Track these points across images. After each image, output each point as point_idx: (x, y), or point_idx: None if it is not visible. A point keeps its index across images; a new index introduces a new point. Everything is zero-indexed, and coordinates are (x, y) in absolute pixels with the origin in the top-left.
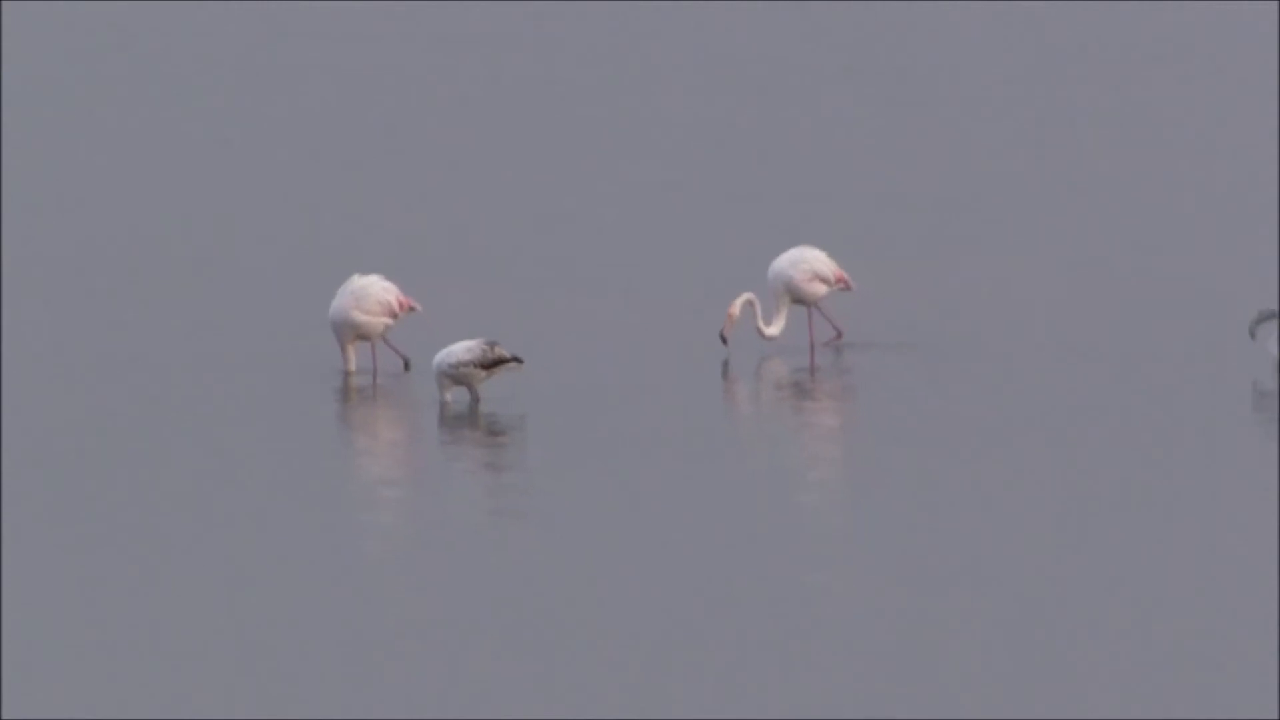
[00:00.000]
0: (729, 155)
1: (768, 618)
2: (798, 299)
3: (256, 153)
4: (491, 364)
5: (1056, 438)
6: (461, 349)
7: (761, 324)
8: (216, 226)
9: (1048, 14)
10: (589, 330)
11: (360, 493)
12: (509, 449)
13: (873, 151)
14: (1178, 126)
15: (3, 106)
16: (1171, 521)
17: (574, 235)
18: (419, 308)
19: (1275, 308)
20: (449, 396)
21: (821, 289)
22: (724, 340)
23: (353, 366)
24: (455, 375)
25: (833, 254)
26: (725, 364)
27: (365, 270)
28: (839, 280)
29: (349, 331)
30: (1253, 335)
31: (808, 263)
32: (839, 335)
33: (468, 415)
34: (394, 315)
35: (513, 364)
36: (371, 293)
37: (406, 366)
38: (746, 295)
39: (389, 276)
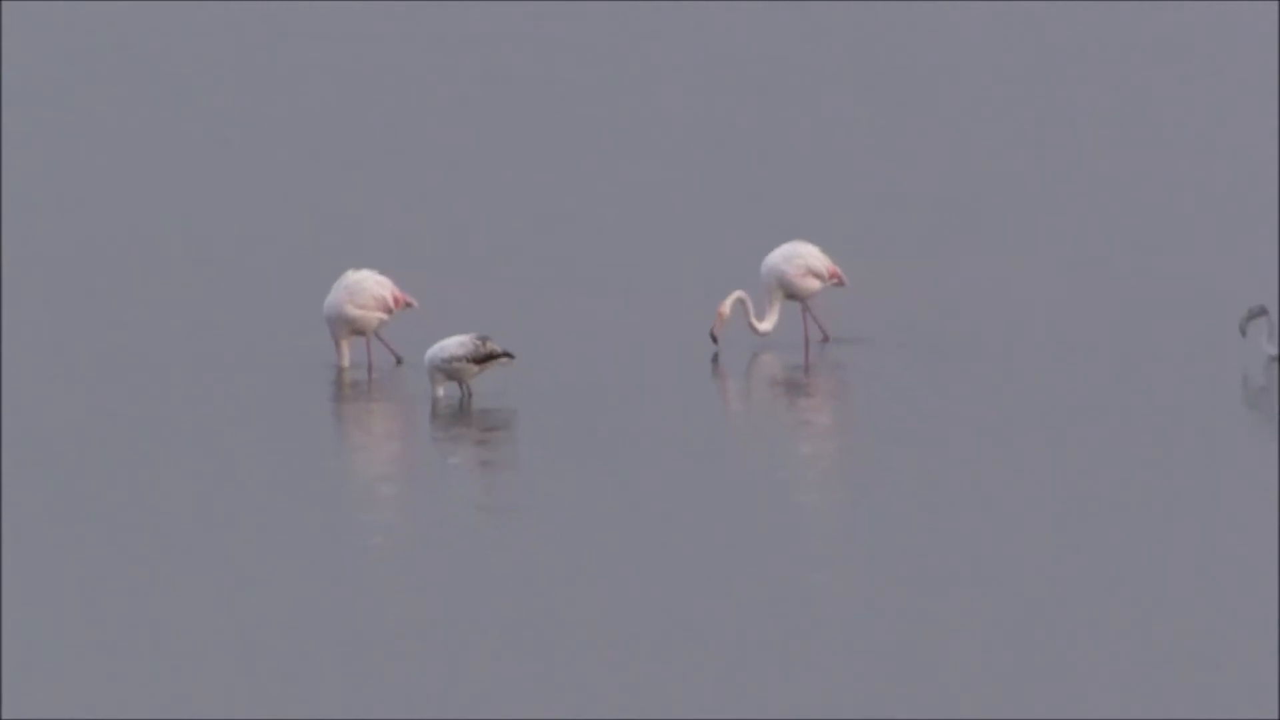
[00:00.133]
0: (729, 155)
1: (767, 617)
2: (791, 294)
3: (256, 153)
4: (484, 359)
5: (1056, 437)
6: (454, 344)
7: (754, 320)
8: (216, 226)
9: (1048, 14)
10: (587, 329)
11: (355, 490)
12: (504, 445)
13: (873, 151)
14: (1178, 126)
15: (3, 106)
16: (1171, 521)
17: (573, 235)
18: (415, 303)
19: (1264, 305)
20: (441, 392)
21: (815, 284)
22: (714, 339)
23: (346, 362)
24: (448, 370)
25: (827, 249)
26: (721, 362)
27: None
28: (833, 276)
29: (343, 326)
30: (1243, 332)
31: (801, 258)
32: (826, 338)
33: (461, 411)
34: (389, 310)
35: (504, 359)
36: (366, 287)
37: (399, 362)
38: (737, 294)
39: (385, 273)
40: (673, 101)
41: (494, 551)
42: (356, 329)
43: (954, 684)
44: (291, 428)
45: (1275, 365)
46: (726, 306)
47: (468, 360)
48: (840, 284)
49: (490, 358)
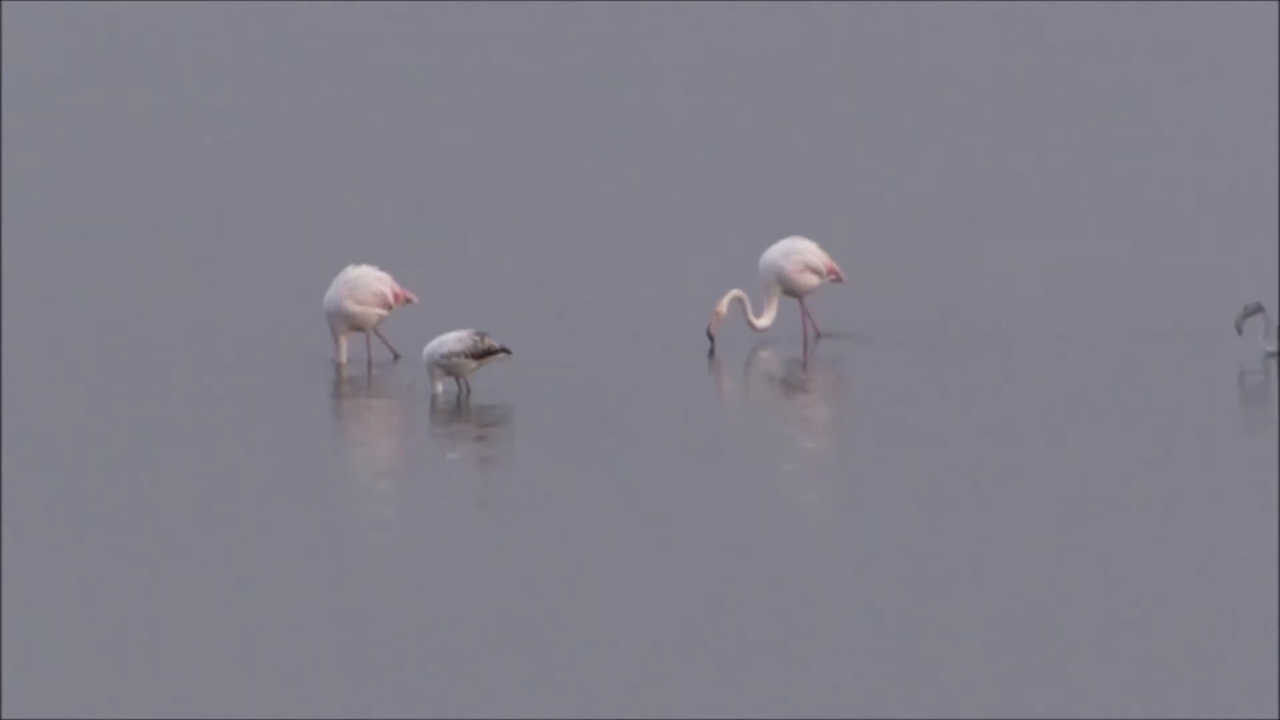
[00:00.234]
0: (729, 155)
1: (765, 614)
2: (789, 290)
3: (256, 153)
4: (482, 354)
5: (1056, 436)
6: (452, 339)
7: (752, 316)
8: (216, 226)
9: (1048, 14)
10: (586, 326)
11: (354, 486)
12: (503, 442)
13: (873, 151)
14: (1178, 126)
15: (3, 106)
16: (1172, 520)
17: (573, 233)
18: (415, 299)
19: (1260, 302)
20: (440, 387)
21: (813, 280)
22: (710, 338)
23: (343, 358)
24: (446, 365)
25: (824, 245)
26: (720, 358)
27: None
28: (830, 272)
29: (342, 322)
30: (1239, 330)
31: (800, 254)
32: (818, 334)
33: (460, 407)
34: (388, 306)
35: (502, 355)
36: (365, 283)
37: (396, 358)
38: (735, 292)
39: (385, 269)
40: (673, 101)
41: (492, 547)
42: (355, 325)
43: (953, 683)
44: (290, 424)
45: (1274, 361)
46: (723, 305)
47: (466, 356)
48: (838, 280)
49: (488, 353)
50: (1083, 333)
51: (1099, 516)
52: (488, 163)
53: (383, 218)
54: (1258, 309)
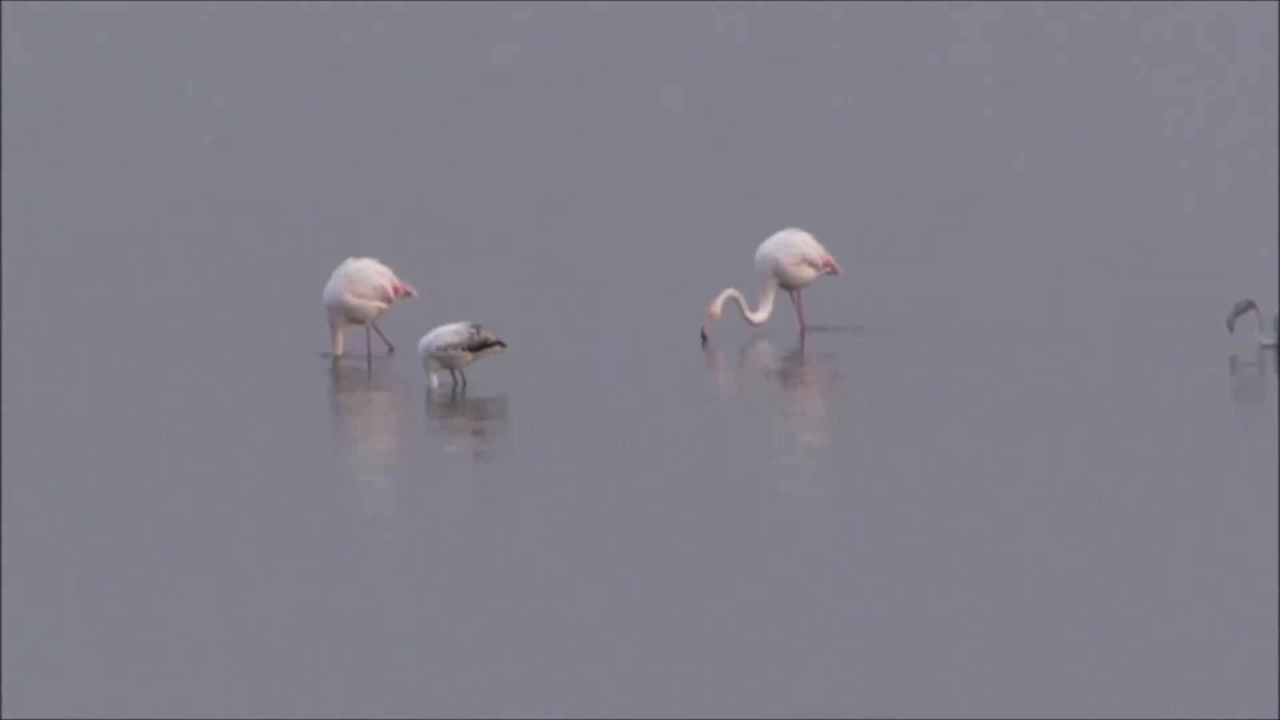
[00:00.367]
0: (729, 154)
1: (764, 610)
2: (785, 283)
3: (256, 152)
4: (478, 347)
5: (1054, 433)
6: (448, 332)
7: (748, 312)
8: (216, 225)
9: (1048, 14)
10: (585, 322)
11: (350, 480)
12: (499, 436)
13: (873, 151)
14: (1178, 126)
15: (3, 106)
16: (1170, 518)
17: (572, 230)
18: (414, 293)
19: (1251, 299)
20: (436, 380)
21: (810, 273)
22: (704, 338)
23: (339, 351)
24: (442, 358)
25: (821, 239)
26: (716, 353)
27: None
28: (826, 265)
29: (341, 315)
30: (1230, 328)
31: (796, 246)
32: (802, 329)
33: (456, 401)
34: (388, 300)
35: (497, 348)
36: (365, 276)
37: (390, 351)
38: (729, 292)
39: (385, 262)
40: (673, 101)
41: (489, 542)
42: (355, 318)
43: (951, 680)
44: (288, 420)
45: (1271, 353)
46: (718, 306)
47: (462, 348)
48: (834, 273)
49: (484, 346)
50: (1082, 331)
51: (1097, 514)
52: (488, 162)
53: (383, 217)
54: (1249, 306)
